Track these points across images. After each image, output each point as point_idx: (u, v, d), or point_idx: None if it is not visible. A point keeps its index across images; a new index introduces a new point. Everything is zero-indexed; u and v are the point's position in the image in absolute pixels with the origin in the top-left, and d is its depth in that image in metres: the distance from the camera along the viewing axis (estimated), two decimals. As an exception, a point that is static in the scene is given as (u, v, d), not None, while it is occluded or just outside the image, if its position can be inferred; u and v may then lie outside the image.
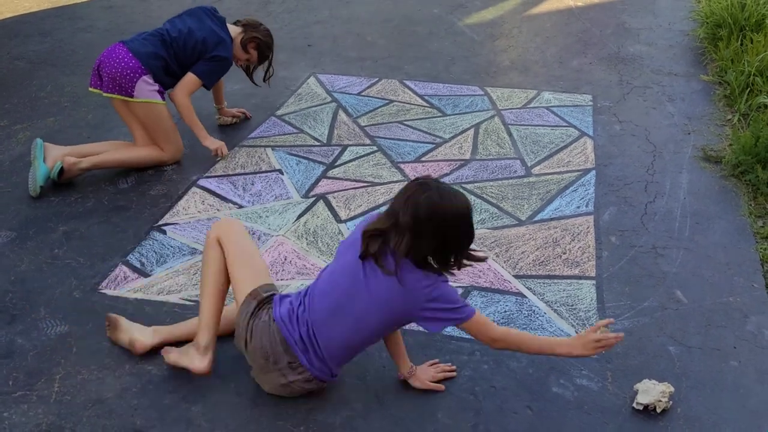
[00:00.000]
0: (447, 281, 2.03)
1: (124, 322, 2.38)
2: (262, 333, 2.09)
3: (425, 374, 2.25)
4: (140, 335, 2.33)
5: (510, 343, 2.11)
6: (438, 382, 2.25)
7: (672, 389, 2.16)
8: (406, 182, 3.22)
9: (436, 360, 2.33)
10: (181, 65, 3.46)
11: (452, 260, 2.02)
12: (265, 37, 3.64)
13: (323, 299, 2.07)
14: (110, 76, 3.32)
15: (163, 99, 3.44)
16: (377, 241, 1.97)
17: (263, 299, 2.15)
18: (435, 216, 1.92)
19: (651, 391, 2.15)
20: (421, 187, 1.96)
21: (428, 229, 1.92)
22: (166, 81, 3.46)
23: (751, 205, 3.17)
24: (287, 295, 2.18)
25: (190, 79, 3.46)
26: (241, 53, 3.62)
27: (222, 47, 3.48)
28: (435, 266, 2.00)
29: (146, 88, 3.34)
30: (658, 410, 2.13)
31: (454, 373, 2.29)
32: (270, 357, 2.08)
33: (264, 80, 3.77)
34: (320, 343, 2.06)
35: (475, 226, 2.05)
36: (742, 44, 4.39)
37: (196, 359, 2.20)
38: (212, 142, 3.56)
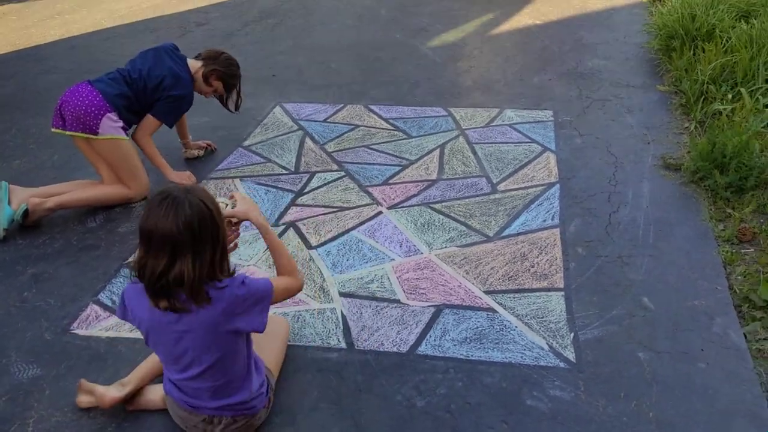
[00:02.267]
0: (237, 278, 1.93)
1: (87, 383, 2.30)
2: (170, 408, 2.13)
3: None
4: (103, 391, 2.26)
5: (295, 268, 2.21)
6: None
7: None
8: (373, 205, 3.27)
9: None
10: (144, 105, 3.49)
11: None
12: (226, 66, 3.65)
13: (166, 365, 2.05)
14: (74, 115, 3.31)
15: (127, 135, 3.45)
16: (154, 282, 1.80)
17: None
18: (204, 220, 1.79)
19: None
20: (173, 200, 1.78)
21: (206, 236, 1.80)
22: (131, 118, 3.48)
23: (711, 209, 3.25)
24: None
25: (149, 120, 3.51)
26: (205, 87, 3.66)
27: (179, 86, 3.49)
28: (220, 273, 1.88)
29: (110, 125, 3.35)
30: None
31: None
32: (187, 426, 2.11)
33: (235, 109, 3.82)
34: (205, 394, 2.03)
35: None
36: (694, 54, 4.52)
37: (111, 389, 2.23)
38: (177, 176, 3.59)
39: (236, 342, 1.98)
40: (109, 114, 3.34)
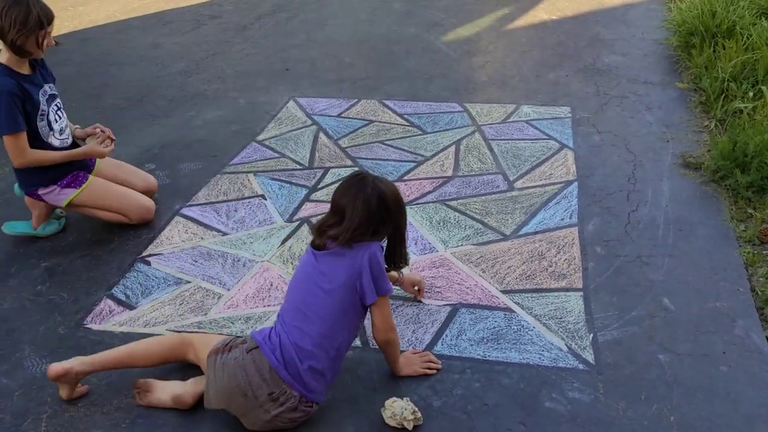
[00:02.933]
0: (382, 249, 2.22)
1: (157, 382, 2.28)
2: (235, 370, 2.07)
3: (411, 363, 2.36)
4: (182, 388, 2.24)
5: (392, 341, 2.27)
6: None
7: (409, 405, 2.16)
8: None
9: (418, 350, 2.45)
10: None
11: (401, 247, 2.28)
12: (18, 24, 2.74)
13: (289, 311, 2.16)
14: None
15: (83, 182, 3.10)
16: (329, 232, 2.13)
17: (226, 344, 2.16)
18: (385, 202, 2.14)
19: (396, 414, 2.14)
20: (362, 180, 2.16)
21: (383, 216, 2.14)
22: (36, 174, 3.04)
23: (732, 209, 3.20)
24: (264, 329, 2.21)
25: (6, 143, 2.90)
26: (27, 52, 2.85)
27: None
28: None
29: (54, 197, 3.07)
30: (409, 427, 2.12)
31: (439, 367, 2.39)
32: (248, 392, 2.05)
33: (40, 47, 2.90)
34: (300, 353, 2.07)
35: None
36: (714, 51, 4.45)
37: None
38: (95, 147, 3.14)
39: (356, 310, 2.16)
40: (32, 193, 3.08)
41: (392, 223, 2.19)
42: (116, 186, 3.22)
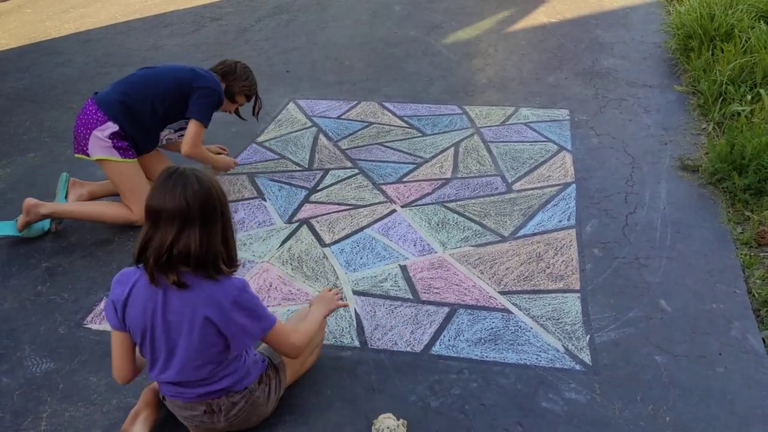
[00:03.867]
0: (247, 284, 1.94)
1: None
2: (175, 411, 2.10)
3: (328, 304, 2.35)
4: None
5: (305, 344, 2.12)
6: None
7: (398, 428, 2.12)
8: (387, 203, 3.26)
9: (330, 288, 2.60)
10: (152, 106, 3.15)
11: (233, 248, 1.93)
12: (248, 80, 3.49)
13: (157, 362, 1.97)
14: (74, 134, 3.14)
15: (128, 156, 3.14)
16: (161, 255, 1.79)
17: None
18: (211, 194, 1.82)
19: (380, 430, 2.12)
20: (180, 175, 1.80)
21: (214, 211, 1.83)
22: (135, 130, 3.15)
23: (729, 212, 3.21)
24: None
25: (193, 129, 3.24)
26: (230, 105, 3.52)
27: (204, 80, 3.23)
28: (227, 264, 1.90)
29: (99, 144, 3.07)
30: None
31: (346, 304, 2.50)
32: (188, 421, 2.09)
33: (253, 114, 3.66)
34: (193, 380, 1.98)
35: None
36: (713, 54, 4.47)
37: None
38: (222, 161, 3.62)
39: (219, 346, 1.93)
40: (97, 130, 3.05)
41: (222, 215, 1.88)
42: (142, 178, 3.20)
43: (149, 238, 1.80)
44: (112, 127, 3.07)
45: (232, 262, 1.93)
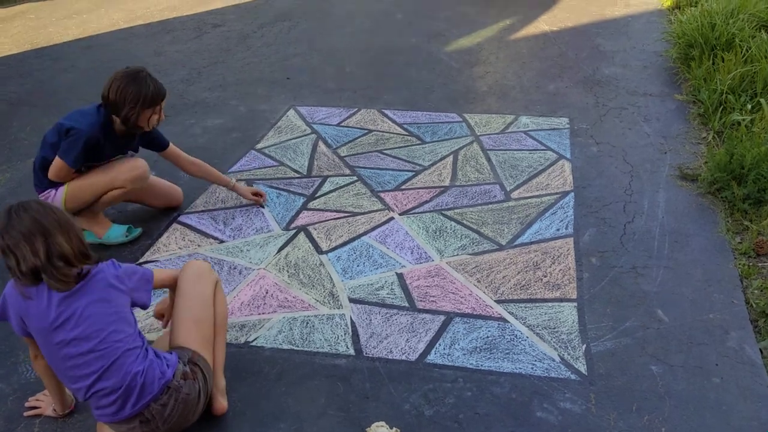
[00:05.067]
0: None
1: None
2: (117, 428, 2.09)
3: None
4: None
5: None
6: None
7: None
8: (384, 210, 3.25)
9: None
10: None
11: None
12: (130, 102, 2.93)
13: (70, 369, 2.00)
14: None
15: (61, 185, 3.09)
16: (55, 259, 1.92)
17: None
18: (51, 211, 1.97)
19: None
20: (20, 204, 1.98)
21: (57, 225, 1.96)
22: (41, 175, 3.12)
23: (728, 221, 3.20)
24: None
25: (58, 165, 3.02)
26: (134, 128, 3.06)
27: (79, 120, 2.98)
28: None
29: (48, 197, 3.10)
30: None
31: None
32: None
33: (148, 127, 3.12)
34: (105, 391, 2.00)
35: None
36: (713, 63, 4.46)
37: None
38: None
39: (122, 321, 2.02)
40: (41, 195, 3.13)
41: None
42: (85, 179, 3.10)
43: (20, 263, 1.91)
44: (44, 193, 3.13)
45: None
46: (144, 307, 2.14)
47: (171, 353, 2.12)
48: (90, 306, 1.96)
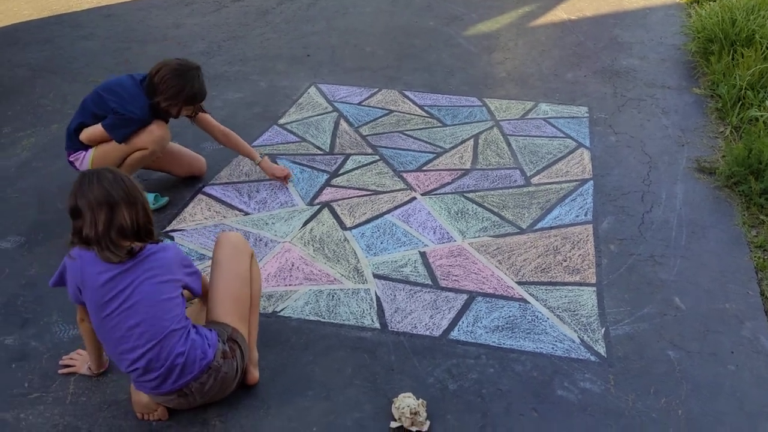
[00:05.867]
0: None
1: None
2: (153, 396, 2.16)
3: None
4: None
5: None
6: None
7: (418, 408, 2.17)
8: (407, 190, 3.31)
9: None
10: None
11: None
12: (170, 92, 3.03)
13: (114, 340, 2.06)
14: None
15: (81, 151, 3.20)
16: (112, 233, 2.00)
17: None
18: (129, 183, 2.07)
19: (400, 411, 2.16)
20: (95, 172, 2.06)
21: (137, 198, 2.06)
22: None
23: (744, 214, 3.26)
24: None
25: (96, 130, 3.13)
26: (163, 114, 3.17)
27: (130, 103, 3.06)
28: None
29: (78, 163, 3.22)
30: (405, 424, 2.15)
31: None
32: (165, 402, 2.16)
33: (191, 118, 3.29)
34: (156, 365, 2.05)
35: None
36: (733, 58, 4.50)
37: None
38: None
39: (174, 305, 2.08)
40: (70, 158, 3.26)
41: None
42: (106, 146, 3.16)
43: (81, 229, 2.02)
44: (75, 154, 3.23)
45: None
46: (196, 294, 2.22)
47: (211, 331, 2.16)
48: (143, 283, 2.01)
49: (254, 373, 2.31)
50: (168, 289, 2.06)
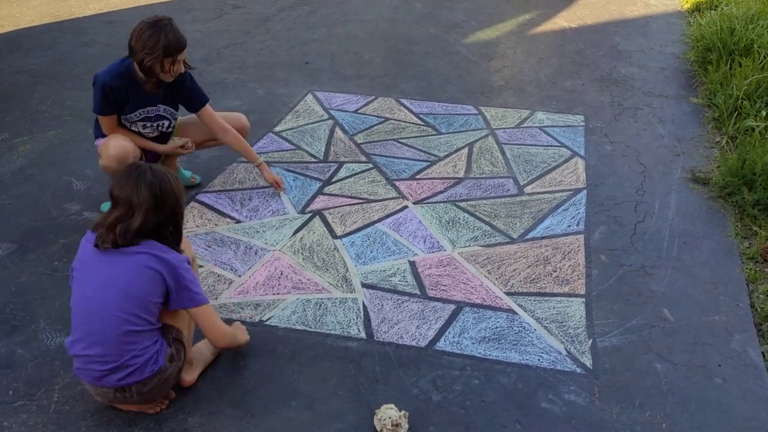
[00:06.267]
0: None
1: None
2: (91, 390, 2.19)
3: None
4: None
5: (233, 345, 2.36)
6: None
7: (400, 419, 2.16)
8: (399, 199, 3.31)
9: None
10: None
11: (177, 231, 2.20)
12: (146, 47, 2.90)
13: (77, 320, 2.13)
14: None
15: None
16: (118, 228, 2.05)
17: None
18: (165, 188, 2.10)
19: (382, 423, 2.16)
20: (139, 168, 2.10)
21: (166, 204, 2.10)
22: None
23: (737, 226, 3.24)
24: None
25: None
26: (150, 75, 3.02)
27: (103, 70, 3.04)
28: (171, 240, 2.16)
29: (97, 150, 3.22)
30: None
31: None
32: (101, 397, 2.17)
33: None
34: (110, 355, 2.07)
35: None
36: (731, 68, 4.49)
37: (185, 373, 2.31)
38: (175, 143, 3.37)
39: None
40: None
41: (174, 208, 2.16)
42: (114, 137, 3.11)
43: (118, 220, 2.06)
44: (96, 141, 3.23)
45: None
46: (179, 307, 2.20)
47: (162, 342, 2.17)
48: (122, 272, 2.05)
49: (187, 377, 2.32)
50: (139, 290, 2.07)
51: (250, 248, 3.05)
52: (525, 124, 4.21)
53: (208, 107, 3.29)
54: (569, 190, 3.51)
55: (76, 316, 2.13)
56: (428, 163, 3.76)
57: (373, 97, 4.57)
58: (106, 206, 3.26)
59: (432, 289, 2.81)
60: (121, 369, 2.07)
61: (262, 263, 2.96)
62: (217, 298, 2.74)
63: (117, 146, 3.03)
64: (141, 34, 2.92)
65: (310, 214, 3.30)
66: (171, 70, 3.01)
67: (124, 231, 2.04)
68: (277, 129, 4.14)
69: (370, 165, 3.73)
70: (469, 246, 3.08)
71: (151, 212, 2.05)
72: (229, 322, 2.48)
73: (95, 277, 2.07)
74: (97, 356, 2.06)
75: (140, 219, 2.04)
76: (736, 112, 4.07)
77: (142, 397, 2.16)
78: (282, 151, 3.89)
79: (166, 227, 2.13)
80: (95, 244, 2.06)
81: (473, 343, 2.54)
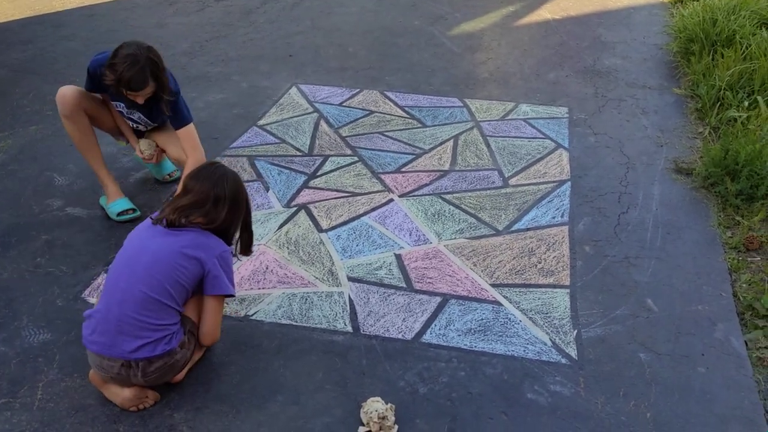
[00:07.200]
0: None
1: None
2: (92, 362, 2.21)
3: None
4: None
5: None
6: None
7: (386, 412, 2.16)
8: (384, 192, 3.30)
9: None
10: None
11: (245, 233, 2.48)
12: (108, 63, 2.81)
13: (108, 287, 2.20)
14: None
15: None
16: (189, 214, 2.23)
17: None
18: (239, 186, 2.36)
19: (368, 416, 2.17)
20: (219, 166, 2.35)
21: (240, 200, 2.36)
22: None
23: (720, 216, 3.27)
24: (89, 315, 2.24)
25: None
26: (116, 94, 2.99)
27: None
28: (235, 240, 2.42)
29: None
30: (373, 429, 2.15)
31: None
32: (104, 371, 2.18)
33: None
34: (128, 317, 2.12)
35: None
36: (713, 59, 4.51)
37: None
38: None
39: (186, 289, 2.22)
40: None
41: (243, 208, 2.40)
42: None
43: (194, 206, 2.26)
44: None
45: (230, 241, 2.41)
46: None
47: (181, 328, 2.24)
48: (165, 245, 2.19)
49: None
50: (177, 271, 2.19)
51: (235, 243, 3.03)
52: (509, 116, 4.21)
53: (188, 130, 3.13)
54: (554, 181, 3.52)
55: (109, 277, 2.21)
56: (413, 156, 3.75)
57: (357, 90, 4.56)
58: (104, 200, 3.25)
59: (418, 281, 2.81)
60: (133, 337, 2.10)
61: (247, 257, 2.94)
62: (202, 293, 2.73)
63: (60, 91, 3.07)
64: (116, 52, 2.79)
65: (295, 208, 3.29)
66: (129, 95, 2.87)
67: (186, 214, 2.22)
68: (261, 122, 4.12)
69: (356, 158, 3.72)
70: (455, 238, 3.09)
71: (230, 209, 2.29)
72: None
73: (137, 243, 2.23)
74: (113, 317, 2.11)
75: (224, 212, 2.27)
76: (719, 103, 4.10)
77: (144, 379, 2.16)
78: (266, 144, 3.87)
79: (236, 227, 2.38)
80: (152, 221, 2.25)
81: (459, 335, 2.54)
